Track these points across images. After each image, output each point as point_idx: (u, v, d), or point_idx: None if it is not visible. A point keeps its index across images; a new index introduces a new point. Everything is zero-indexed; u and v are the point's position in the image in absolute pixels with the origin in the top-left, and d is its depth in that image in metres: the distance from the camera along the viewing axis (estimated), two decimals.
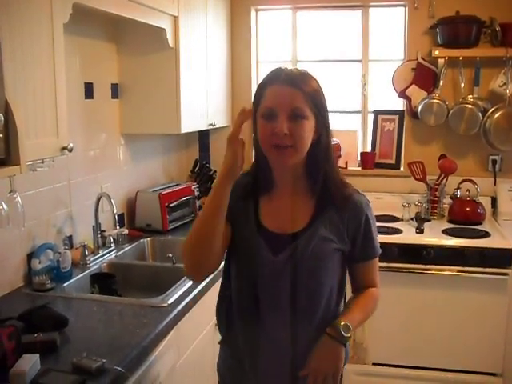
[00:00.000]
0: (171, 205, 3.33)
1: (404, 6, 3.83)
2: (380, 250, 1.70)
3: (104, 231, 2.87)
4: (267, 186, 1.64)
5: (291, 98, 1.48)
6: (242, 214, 1.65)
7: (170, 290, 2.31)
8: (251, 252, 1.61)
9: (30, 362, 1.59)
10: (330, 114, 1.59)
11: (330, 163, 1.60)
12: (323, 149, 1.57)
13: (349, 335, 1.54)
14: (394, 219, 3.67)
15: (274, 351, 1.61)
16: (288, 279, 1.57)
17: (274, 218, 1.62)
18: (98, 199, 2.79)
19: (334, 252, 1.59)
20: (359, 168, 4.01)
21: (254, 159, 1.67)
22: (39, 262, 2.34)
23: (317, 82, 1.56)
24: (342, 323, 1.55)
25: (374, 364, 3.39)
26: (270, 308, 1.58)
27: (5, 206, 1.99)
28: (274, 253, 1.58)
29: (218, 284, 2.39)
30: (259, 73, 4.14)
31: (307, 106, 1.49)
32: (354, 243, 1.62)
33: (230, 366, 1.75)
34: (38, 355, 1.65)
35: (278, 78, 1.52)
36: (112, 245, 2.88)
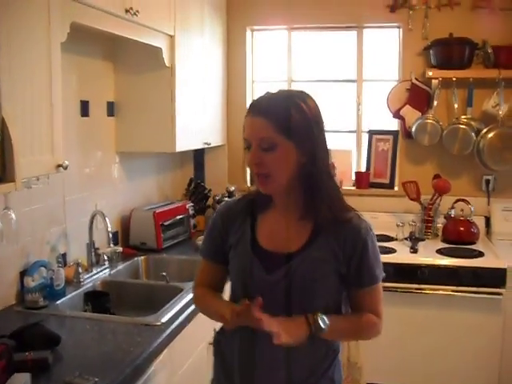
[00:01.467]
0: (166, 223, 3.32)
1: (398, 27, 3.88)
2: (380, 279, 1.62)
3: (98, 249, 2.86)
4: (266, 205, 1.65)
5: (258, 129, 1.50)
6: (238, 235, 1.65)
7: (164, 308, 2.30)
8: (245, 270, 1.61)
9: (21, 381, 1.58)
10: (323, 136, 1.56)
11: (324, 187, 1.56)
12: (311, 173, 1.54)
13: (322, 326, 1.50)
14: (389, 239, 3.68)
15: (269, 369, 1.60)
16: (281, 298, 1.56)
17: (270, 237, 1.62)
18: (93, 217, 2.79)
19: (328, 274, 1.56)
20: (354, 187, 4.03)
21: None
22: (32, 280, 2.33)
23: (304, 105, 1.51)
24: (322, 315, 1.52)
25: None
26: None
27: None
28: (268, 272, 1.58)
29: None
30: (254, 92, 4.17)
31: (277, 133, 1.48)
32: (349, 268, 1.57)
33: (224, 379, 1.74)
34: (29, 374, 1.63)
35: (251, 108, 1.54)
36: (106, 263, 2.87)
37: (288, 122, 1.48)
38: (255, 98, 1.58)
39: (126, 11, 2.43)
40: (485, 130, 3.61)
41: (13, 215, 2.05)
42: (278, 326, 1.44)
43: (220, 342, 1.75)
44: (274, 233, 1.62)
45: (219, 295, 1.74)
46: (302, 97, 1.55)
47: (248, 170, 1.64)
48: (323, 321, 1.51)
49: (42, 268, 2.41)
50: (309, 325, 1.50)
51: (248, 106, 1.57)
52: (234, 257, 1.66)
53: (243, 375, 1.64)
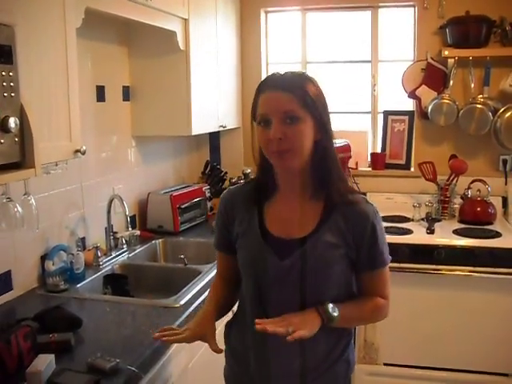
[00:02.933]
0: (182, 206, 3.35)
1: (413, 6, 3.83)
2: (388, 261, 1.63)
3: (116, 233, 2.90)
4: (271, 191, 1.64)
5: (282, 102, 1.48)
6: (245, 222, 1.64)
7: (182, 290, 2.33)
8: (258, 258, 1.60)
9: (45, 362, 1.61)
10: (330, 116, 1.57)
11: (332, 165, 1.57)
12: (324, 151, 1.55)
13: (334, 316, 1.51)
14: (405, 219, 3.67)
15: (284, 357, 1.59)
16: (296, 284, 1.55)
17: (279, 223, 1.61)
18: (110, 201, 2.82)
19: (340, 258, 1.56)
20: (369, 169, 4.02)
21: (257, 166, 1.66)
22: (53, 264, 2.37)
23: (313, 83, 1.54)
24: (333, 306, 1.53)
25: (385, 364, 3.39)
26: (277, 312, 1.55)
27: (19, 209, 2.02)
28: (281, 258, 1.56)
29: None
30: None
31: (300, 107, 1.48)
32: (358, 251, 1.57)
33: (237, 372, 1.75)
34: (53, 355, 1.67)
35: (269, 84, 1.53)
36: (124, 246, 2.90)
37: (308, 95, 1.49)
38: (266, 78, 1.58)
39: None
40: (502, 110, 3.57)
41: (32, 200, 2.07)
42: (288, 324, 1.44)
43: (230, 335, 1.75)
44: (283, 218, 1.61)
45: (214, 299, 1.73)
46: (311, 77, 1.57)
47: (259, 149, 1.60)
48: (334, 310, 1.52)
49: (62, 252, 2.46)
50: (320, 317, 1.50)
51: (261, 83, 1.57)
52: (244, 247, 1.64)
53: (258, 363, 1.65)
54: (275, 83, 1.52)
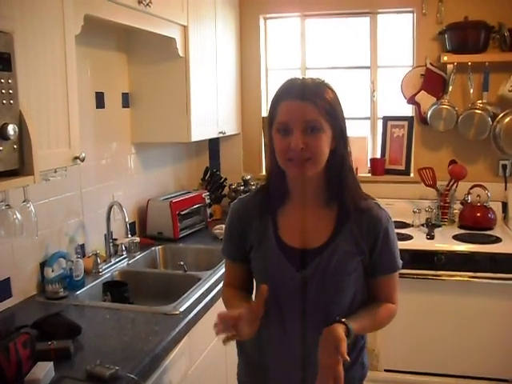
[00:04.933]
0: (182, 213, 3.35)
1: (412, 12, 3.84)
2: (400, 266, 1.64)
3: (116, 239, 2.89)
4: (283, 200, 1.63)
5: (304, 112, 1.47)
6: (259, 232, 1.63)
7: (182, 297, 2.32)
8: (275, 269, 1.59)
9: (44, 370, 1.61)
10: (346, 123, 1.57)
11: (348, 173, 1.58)
12: (340, 159, 1.55)
13: (351, 332, 1.47)
14: (405, 225, 3.67)
15: (300, 362, 1.59)
16: (314, 294, 1.55)
17: (293, 233, 1.60)
18: (110, 208, 2.82)
19: (357, 265, 1.56)
20: (369, 174, 4.02)
21: (266, 174, 1.66)
22: (52, 271, 2.37)
23: (332, 91, 1.54)
24: (348, 321, 1.49)
25: (385, 370, 3.39)
26: (294, 323, 1.56)
27: (18, 215, 2.01)
28: (297, 268, 1.56)
29: None
30: (268, 80, 4.16)
31: (322, 117, 1.48)
32: (372, 257, 1.58)
33: (253, 376, 1.75)
34: (52, 363, 1.67)
35: (291, 91, 1.52)
36: (124, 253, 2.90)
37: (329, 106, 1.50)
38: (286, 84, 1.56)
39: (139, 2, 2.44)
40: (501, 115, 3.57)
41: (32, 207, 2.07)
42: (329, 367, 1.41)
43: (245, 343, 1.72)
44: (297, 227, 1.60)
45: (244, 298, 1.68)
46: (328, 84, 1.57)
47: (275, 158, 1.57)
48: (350, 326, 1.48)
49: (62, 259, 2.45)
50: (346, 332, 1.46)
51: (281, 90, 1.55)
52: (258, 257, 1.63)
53: (276, 371, 1.64)
54: (297, 91, 1.51)
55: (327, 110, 1.49)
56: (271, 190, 1.64)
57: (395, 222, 3.62)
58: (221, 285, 2.34)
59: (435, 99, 3.73)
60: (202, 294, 2.39)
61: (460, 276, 3.19)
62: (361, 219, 1.57)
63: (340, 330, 1.45)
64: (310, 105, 1.48)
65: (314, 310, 1.56)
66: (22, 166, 1.71)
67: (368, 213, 1.57)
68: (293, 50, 4.14)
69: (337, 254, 1.54)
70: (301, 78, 1.57)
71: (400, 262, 1.64)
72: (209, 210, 3.65)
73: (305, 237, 1.58)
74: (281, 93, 1.54)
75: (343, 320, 1.48)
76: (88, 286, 2.50)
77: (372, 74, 4.01)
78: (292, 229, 1.61)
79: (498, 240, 3.33)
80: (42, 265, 2.40)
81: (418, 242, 3.35)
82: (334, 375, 1.41)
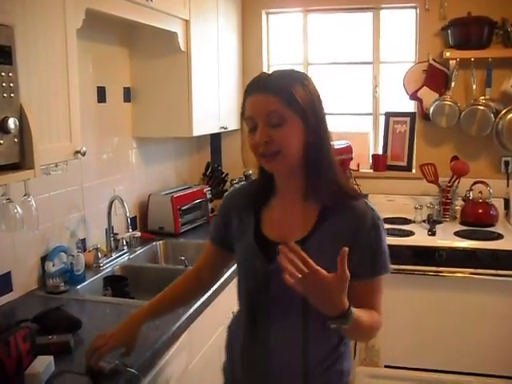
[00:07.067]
0: (183, 208, 3.34)
1: (415, 7, 3.83)
2: (387, 270, 1.53)
3: (117, 234, 2.89)
4: (270, 194, 1.61)
5: (266, 104, 1.44)
6: (242, 224, 1.62)
7: None
8: (248, 262, 1.59)
9: (44, 364, 1.61)
10: (325, 116, 1.51)
11: (328, 168, 1.51)
12: (316, 152, 1.49)
13: (347, 321, 1.34)
14: (406, 221, 3.66)
15: (275, 356, 1.55)
16: (284, 289, 1.38)
17: (275, 227, 1.57)
18: (111, 202, 2.81)
19: (334, 263, 1.38)
20: (371, 170, 4.01)
21: (258, 168, 1.63)
22: (53, 265, 2.37)
23: (304, 83, 1.48)
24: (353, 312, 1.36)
25: (386, 366, 3.38)
26: (263, 318, 1.53)
27: (19, 210, 2.01)
28: (271, 262, 1.48)
29: (230, 287, 2.42)
30: None
31: (285, 108, 1.43)
32: (356, 257, 1.43)
33: (231, 368, 1.73)
34: (52, 357, 1.67)
35: (255, 86, 1.49)
36: (125, 247, 2.90)
37: (294, 97, 1.44)
38: (253, 79, 1.53)
39: None
40: (504, 111, 3.56)
41: (32, 202, 2.07)
42: (304, 273, 1.28)
43: (231, 331, 1.74)
44: (279, 221, 1.57)
45: (166, 293, 1.83)
46: (304, 75, 1.54)
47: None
48: (350, 316, 1.35)
49: (62, 253, 2.46)
50: (345, 309, 1.33)
51: (247, 85, 1.53)
52: (238, 248, 1.64)
53: (248, 362, 1.62)
54: (260, 85, 1.48)
55: (291, 101, 1.43)
56: (261, 184, 1.63)
57: (397, 217, 3.67)
58: (222, 280, 2.36)
59: (438, 95, 3.72)
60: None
61: (461, 272, 3.19)
62: (344, 217, 1.50)
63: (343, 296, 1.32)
64: (271, 97, 1.44)
65: (282, 307, 1.50)
66: (22, 160, 1.70)
67: (353, 211, 1.50)
68: (295, 45, 4.13)
69: (311, 250, 1.41)
70: (269, 72, 1.55)
71: (387, 267, 1.53)
72: (210, 205, 3.65)
73: (285, 231, 1.53)
74: (247, 88, 1.52)
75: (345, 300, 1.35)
76: (89, 281, 2.50)
77: (374, 69, 4.00)
78: (274, 222, 1.58)
79: (499, 237, 3.33)
80: (43, 259, 2.40)
81: (420, 238, 3.35)
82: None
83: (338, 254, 1.34)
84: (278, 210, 1.59)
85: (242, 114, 1.54)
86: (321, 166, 1.51)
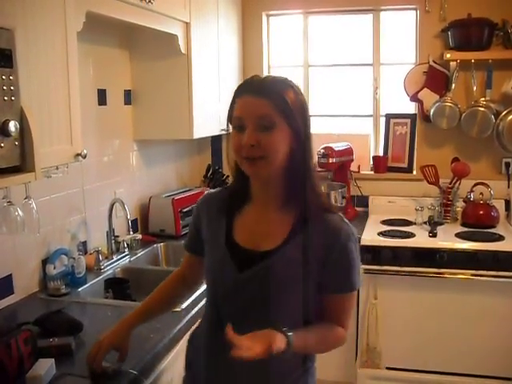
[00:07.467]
0: (184, 210, 3.34)
1: (415, 9, 3.83)
2: (356, 287, 1.52)
3: (118, 236, 2.89)
4: (244, 200, 1.57)
5: (258, 108, 1.41)
6: (214, 229, 1.59)
7: None
8: (217, 267, 1.55)
9: (45, 367, 1.61)
10: (309, 126, 1.50)
11: (308, 179, 1.49)
12: (298, 161, 1.46)
13: (290, 345, 1.36)
14: (407, 223, 3.66)
15: (234, 373, 1.48)
16: (253, 298, 1.45)
17: (247, 234, 1.53)
18: (112, 205, 2.81)
19: (305, 275, 1.43)
20: (372, 172, 4.01)
21: (231, 173, 1.61)
22: (54, 268, 2.37)
23: (294, 90, 1.47)
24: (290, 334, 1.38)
25: (387, 368, 3.37)
26: (232, 324, 1.42)
27: (20, 212, 2.01)
28: (241, 270, 1.48)
29: None
30: None
31: (276, 114, 1.41)
32: (326, 271, 1.45)
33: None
34: (53, 359, 1.67)
35: (248, 87, 1.47)
36: (126, 250, 2.90)
37: (287, 103, 1.43)
38: (246, 80, 1.52)
39: None
40: (504, 112, 3.56)
41: (33, 204, 2.07)
42: (243, 340, 1.31)
43: (192, 342, 1.72)
44: (252, 229, 1.53)
45: (152, 298, 1.80)
46: (292, 82, 1.51)
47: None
48: (291, 338, 1.37)
49: (63, 256, 2.46)
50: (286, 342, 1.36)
51: (239, 87, 1.51)
52: (207, 254, 1.60)
53: (210, 374, 1.58)
54: (253, 87, 1.45)
55: (283, 107, 1.42)
56: (235, 189, 1.60)
57: (397, 219, 3.68)
58: None
59: (438, 97, 3.72)
60: (204, 291, 2.37)
61: (462, 274, 3.18)
62: (318, 229, 1.47)
63: (278, 336, 1.35)
64: (264, 101, 1.41)
65: (249, 317, 1.47)
66: (23, 163, 1.70)
67: (327, 223, 1.48)
68: (295, 47, 4.14)
69: (282, 261, 1.44)
70: (263, 75, 1.53)
71: (357, 283, 1.52)
72: None
73: (258, 239, 1.51)
74: (239, 89, 1.50)
75: (284, 329, 1.37)
76: (90, 283, 2.50)
77: (375, 71, 4.00)
78: (246, 230, 1.54)
79: (500, 238, 3.32)
80: (44, 262, 2.40)
81: (421, 239, 3.34)
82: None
83: (308, 267, 1.37)
84: (252, 217, 1.55)
85: (229, 115, 1.51)
86: (301, 176, 1.48)
